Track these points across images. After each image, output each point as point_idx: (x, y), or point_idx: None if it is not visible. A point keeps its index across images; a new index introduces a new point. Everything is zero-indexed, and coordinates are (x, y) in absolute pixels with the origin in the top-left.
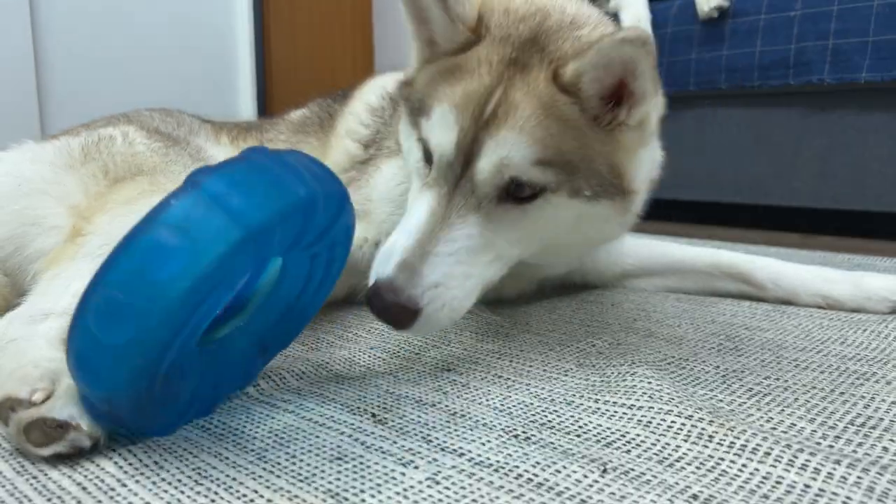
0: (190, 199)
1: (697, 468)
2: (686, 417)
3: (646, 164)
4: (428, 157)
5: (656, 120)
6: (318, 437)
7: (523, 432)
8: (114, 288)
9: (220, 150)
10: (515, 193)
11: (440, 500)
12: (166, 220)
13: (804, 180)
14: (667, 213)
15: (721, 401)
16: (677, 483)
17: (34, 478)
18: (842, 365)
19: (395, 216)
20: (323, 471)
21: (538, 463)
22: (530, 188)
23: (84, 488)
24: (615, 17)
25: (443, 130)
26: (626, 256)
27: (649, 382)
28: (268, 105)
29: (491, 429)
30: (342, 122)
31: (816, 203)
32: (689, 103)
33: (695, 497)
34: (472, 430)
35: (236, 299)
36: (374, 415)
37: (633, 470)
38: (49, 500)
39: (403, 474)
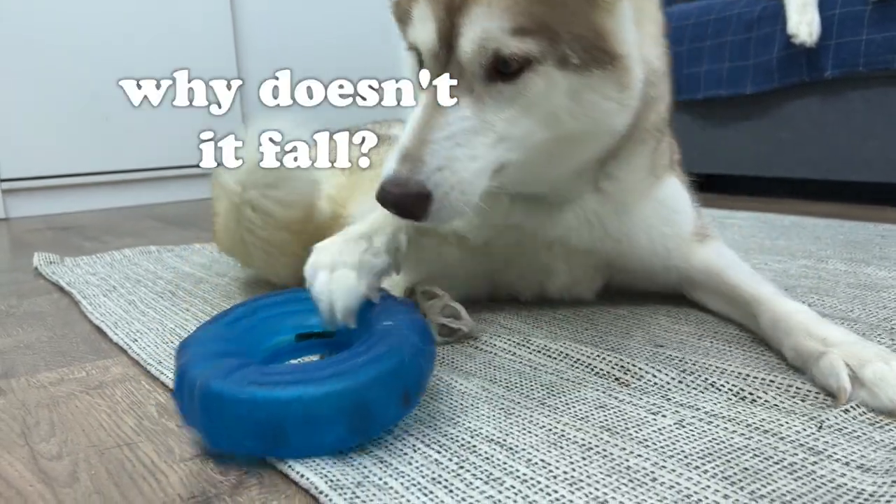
0: None
1: None
2: None
3: (629, 26)
4: (422, 62)
5: None
6: (579, 391)
7: (750, 394)
8: None
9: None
10: (503, 69)
11: (687, 438)
12: None
13: None
14: (837, 194)
15: None
16: (882, 439)
17: None
18: None
19: None
20: (593, 415)
21: (764, 419)
22: (516, 61)
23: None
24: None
25: (422, 25)
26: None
27: None
28: None
29: (719, 390)
30: None
31: None
32: (859, 85)
33: None
34: (702, 392)
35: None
36: (617, 378)
37: (846, 427)
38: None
39: (654, 420)
